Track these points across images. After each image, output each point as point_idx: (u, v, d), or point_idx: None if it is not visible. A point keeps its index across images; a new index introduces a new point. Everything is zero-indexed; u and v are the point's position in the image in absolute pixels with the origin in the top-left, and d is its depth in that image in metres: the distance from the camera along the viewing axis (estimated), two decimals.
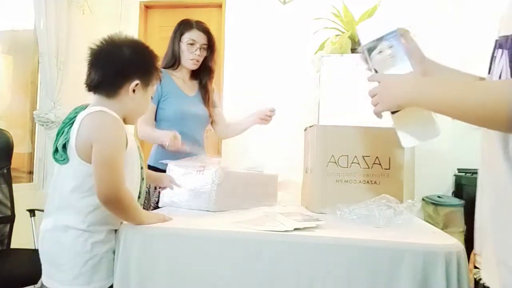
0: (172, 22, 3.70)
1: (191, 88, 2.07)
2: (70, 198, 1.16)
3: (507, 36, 0.76)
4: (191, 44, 1.98)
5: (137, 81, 1.21)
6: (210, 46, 2.03)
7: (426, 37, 2.92)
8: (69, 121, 1.20)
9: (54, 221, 1.17)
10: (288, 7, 3.27)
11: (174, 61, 2.02)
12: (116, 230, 1.20)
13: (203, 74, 2.08)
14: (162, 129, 1.94)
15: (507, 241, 0.77)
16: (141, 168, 1.32)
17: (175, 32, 2.03)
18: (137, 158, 1.29)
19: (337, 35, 2.67)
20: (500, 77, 0.77)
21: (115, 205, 1.13)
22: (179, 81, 2.03)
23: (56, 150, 1.19)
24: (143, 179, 1.32)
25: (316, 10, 2.89)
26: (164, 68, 2.01)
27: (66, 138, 1.17)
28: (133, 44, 1.25)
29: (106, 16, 3.40)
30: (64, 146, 1.17)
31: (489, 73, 0.83)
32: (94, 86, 1.21)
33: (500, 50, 0.78)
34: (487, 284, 0.86)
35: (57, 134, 1.22)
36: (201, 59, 2.02)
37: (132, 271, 1.13)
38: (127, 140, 1.19)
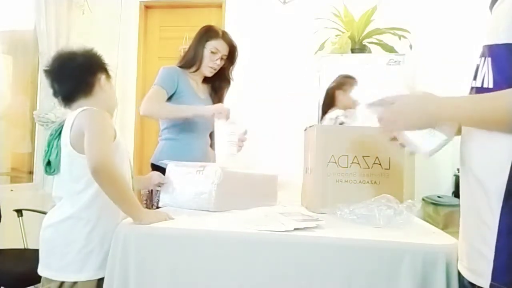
0: (172, 22, 3.68)
1: (202, 91, 2.11)
2: (68, 190, 1.23)
3: (491, 45, 0.82)
4: (214, 52, 2.00)
5: (102, 75, 1.36)
6: (230, 58, 2.08)
7: (426, 37, 2.93)
8: (56, 133, 1.28)
9: (55, 215, 1.25)
10: (288, 7, 3.26)
11: (194, 64, 2.03)
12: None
13: (218, 82, 2.12)
14: (171, 129, 1.99)
15: (474, 226, 0.83)
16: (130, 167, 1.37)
17: (200, 37, 2.04)
18: (127, 154, 1.35)
19: (337, 35, 2.68)
20: (482, 83, 0.83)
21: (104, 175, 1.15)
22: (193, 82, 2.06)
23: (48, 163, 1.27)
24: (132, 177, 1.37)
25: (316, 10, 2.89)
26: (181, 67, 2.03)
27: (58, 150, 1.25)
28: (80, 49, 1.36)
29: (106, 16, 3.40)
30: (56, 158, 1.25)
31: (474, 79, 0.88)
32: (71, 92, 1.31)
33: (483, 58, 0.84)
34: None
35: (48, 146, 1.29)
36: (218, 68, 2.05)
37: (132, 271, 1.13)
38: (115, 132, 1.27)
